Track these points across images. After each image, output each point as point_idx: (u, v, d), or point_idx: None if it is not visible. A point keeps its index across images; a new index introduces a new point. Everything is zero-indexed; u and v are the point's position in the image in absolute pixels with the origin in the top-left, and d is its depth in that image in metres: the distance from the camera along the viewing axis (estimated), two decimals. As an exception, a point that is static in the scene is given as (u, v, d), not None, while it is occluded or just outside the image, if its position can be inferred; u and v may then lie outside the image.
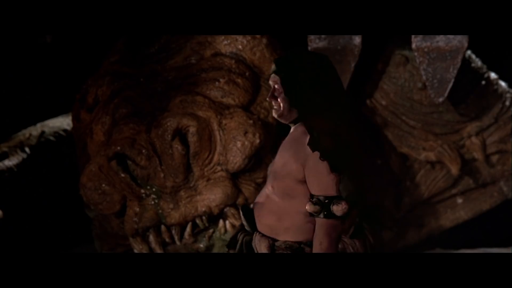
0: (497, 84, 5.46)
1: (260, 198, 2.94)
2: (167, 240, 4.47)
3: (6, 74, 6.35)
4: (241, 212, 2.97)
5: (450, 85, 4.83)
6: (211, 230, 4.50)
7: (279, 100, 2.89)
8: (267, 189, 2.91)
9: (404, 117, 5.26)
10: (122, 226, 4.57)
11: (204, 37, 4.82)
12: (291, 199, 2.85)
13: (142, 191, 4.47)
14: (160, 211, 4.44)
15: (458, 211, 5.40)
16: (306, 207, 2.78)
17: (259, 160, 4.50)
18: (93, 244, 5.07)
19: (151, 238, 4.48)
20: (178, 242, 4.48)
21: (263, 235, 2.87)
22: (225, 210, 4.47)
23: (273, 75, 2.91)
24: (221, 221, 4.48)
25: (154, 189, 4.46)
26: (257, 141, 4.42)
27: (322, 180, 2.77)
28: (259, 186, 4.51)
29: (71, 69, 6.29)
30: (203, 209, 4.41)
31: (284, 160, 2.87)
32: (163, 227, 4.47)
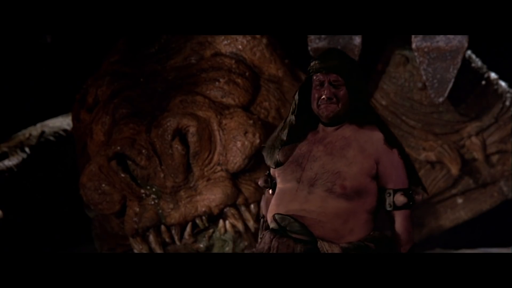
0: (497, 84, 5.46)
1: (308, 205, 2.83)
2: (167, 240, 4.47)
3: (6, 74, 6.35)
4: (291, 222, 2.83)
5: (450, 85, 4.83)
6: (211, 230, 4.50)
7: (339, 98, 2.88)
8: (317, 194, 2.83)
9: (404, 117, 5.26)
10: (122, 226, 4.57)
11: (204, 37, 4.82)
12: (361, 198, 2.83)
13: (142, 191, 4.47)
14: (160, 211, 4.44)
15: (458, 211, 5.40)
16: (397, 201, 2.83)
17: (259, 160, 4.49)
18: (93, 244, 5.07)
19: (151, 238, 4.48)
20: (178, 242, 4.48)
21: (331, 242, 2.79)
22: (225, 210, 4.47)
23: (330, 73, 2.88)
24: (221, 221, 4.48)
25: (154, 189, 4.46)
26: (257, 141, 4.42)
27: (401, 174, 2.86)
28: (259, 186, 4.51)
29: (71, 69, 6.29)
30: (203, 209, 4.41)
31: (348, 160, 2.84)
32: (163, 227, 4.46)
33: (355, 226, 2.83)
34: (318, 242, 2.79)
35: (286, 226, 2.82)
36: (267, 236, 2.86)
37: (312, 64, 2.94)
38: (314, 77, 2.92)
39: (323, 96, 2.88)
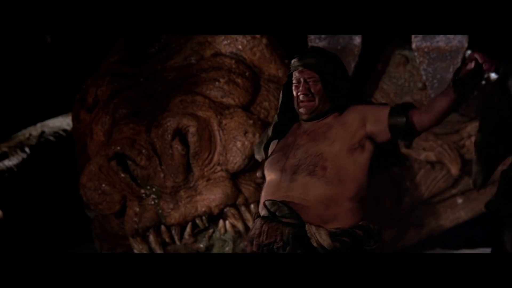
0: (497, 84, 5.45)
1: (291, 192, 2.92)
2: (167, 240, 4.47)
3: (6, 74, 6.35)
4: (280, 207, 2.91)
5: (450, 85, 4.82)
6: (211, 230, 4.50)
7: (314, 94, 2.98)
8: (299, 181, 2.91)
9: (404, 117, 5.25)
10: (122, 226, 4.56)
11: (204, 37, 4.82)
12: (341, 183, 2.88)
13: (142, 191, 4.47)
14: (160, 211, 4.44)
15: (458, 211, 5.40)
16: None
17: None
18: (93, 244, 5.07)
19: (151, 238, 4.48)
20: (178, 242, 4.48)
21: (318, 227, 2.86)
22: (225, 210, 4.47)
23: (305, 70, 2.99)
24: (221, 221, 4.48)
25: (154, 189, 4.46)
26: (257, 141, 4.41)
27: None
28: (259, 186, 4.51)
29: (71, 69, 6.29)
30: (203, 209, 4.41)
31: (330, 139, 2.93)
32: (163, 227, 4.46)
33: (338, 213, 2.88)
34: (306, 225, 2.87)
35: (276, 211, 2.90)
36: (258, 222, 2.95)
37: (291, 62, 3.07)
38: (293, 76, 3.05)
39: (300, 94, 3.01)
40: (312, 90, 2.99)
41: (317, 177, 2.90)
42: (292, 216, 2.88)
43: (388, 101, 5.26)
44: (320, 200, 2.88)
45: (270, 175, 3.03)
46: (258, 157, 3.23)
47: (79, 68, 5.83)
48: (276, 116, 3.15)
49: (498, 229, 2.82)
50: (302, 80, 3.00)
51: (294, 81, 3.04)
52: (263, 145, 3.17)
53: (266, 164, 3.08)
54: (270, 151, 3.13)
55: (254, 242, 2.90)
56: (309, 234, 2.85)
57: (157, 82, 4.75)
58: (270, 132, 3.14)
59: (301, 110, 3.02)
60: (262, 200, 3.03)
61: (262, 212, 2.96)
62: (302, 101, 3.00)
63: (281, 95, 3.12)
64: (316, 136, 2.98)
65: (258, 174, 3.35)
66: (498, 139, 2.82)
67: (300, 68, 3.01)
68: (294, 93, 3.03)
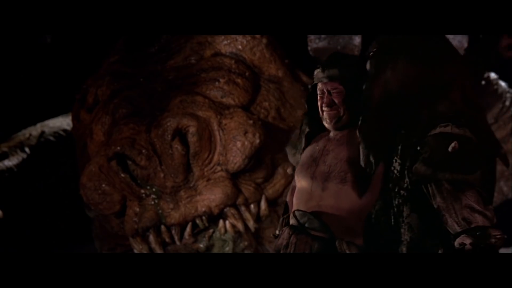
0: (497, 84, 5.46)
1: (324, 202, 2.85)
2: (167, 240, 4.47)
3: (6, 74, 6.35)
4: (310, 219, 2.85)
5: (450, 85, 4.82)
6: (211, 230, 4.50)
7: (338, 105, 2.95)
8: (331, 189, 2.85)
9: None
10: (122, 226, 4.57)
11: (204, 37, 4.82)
12: (370, 192, 2.84)
13: (142, 191, 4.47)
14: (160, 211, 4.44)
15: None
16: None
17: (259, 160, 4.50)
18: (93, 244, 5.07)
19: (151, 238, 4.48)
20: (178, 242, 4.48)
21: (349, 242, 2.79)
22: (225, 210, 4.47)
23: (329, 82, 2.95)
24: (221, 221, 4.48)
25: (154, 189, 4.46)
26: (257, 141, 4.42)
27: None
28: (259, 186, 4.51)
29: (71, 69, 6.29)
30: (203, 209, 4.41)
31: (350, 154, 2.88)
32: (163, 227, 4.46)
33: (361, 224, 2.83)
34: (337, 241, 2.80)
35: (305, 223, 2.85)
36: (286, 232, 2.91)
37: (315, 73, 3.04)
38: (317, 87, 3.03)
39: (323, 105, 2.99)
40: (336, 101, 2.96)
41: (349, 184, 2.85)
42: (323, 230, 2.82)
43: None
44: (353, 210, 2.83)
45: (300, 182, 2.99)
46: (293, 161, 3.20)
47: (79, 68, 5.83)
48: (307, 126, 3.12)
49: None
50: (325, 91, 2.98)
51: (318, 92, 3.02)
52: (298, 152, 3.14)
53: (297, 171, 3.05)
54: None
55: (281, 252, 2.85)
56: (339, 250, 2.79)
57: (157, 82, 4.75)
58: (303, 143, 3.11)
59: (326, 120, 2.99)
60: (293, 208, 2.99)
61: (292, 221, 2.92)
62: (327, 112, 2.97)
63: (306, 106, 3.11)
64: (346, 141, 2.94)
65: (289, 170, 3.32)
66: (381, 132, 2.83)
67: (324, 80, 2.98)
68: (319, 103, 3.02)
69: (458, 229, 2.71)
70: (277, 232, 3.22)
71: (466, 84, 2.97)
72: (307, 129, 3.10)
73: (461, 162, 2.74)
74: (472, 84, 3.01)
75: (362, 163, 2.81)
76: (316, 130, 3.10)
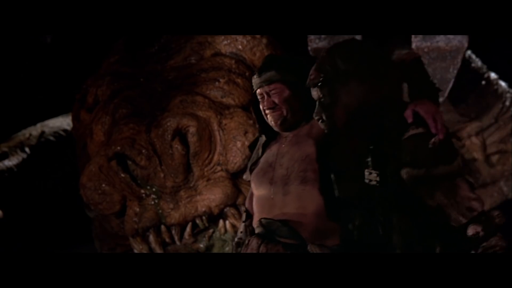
0: (497, 84, 5.46)
1: (287, 208, 2.77)
2: (167, 240, 4.47)
3: (6, 74, 6.36)
4: (279, 226, 2.76)
5: (450, 85, 4.83)
6: (211, 230, 4.50)
7: (279, 104, 2.90)
8: (293, 192, 2.77)
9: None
10: (122, 226, 4.57)
11: (204, 37, 4.82)
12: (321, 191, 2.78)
13: (142, 191, 4.47)
14: (160, 211, 4.44)
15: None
16: None
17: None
18: (93, 244, 5.07)
19: (151, 238, 4.48)
20: (178, 242, 4.48)
21: (320, 245, 2.74)
22: (225, 210, 4.47)
23: (267, 85, 2.90)
24: (221, 221, 4.48)
25: (154, 189, 4.46)
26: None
27: None
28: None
29: (71, 69, 6.30)
30: (203, 209, 4.41)
31: (313, 140, 2.83)
32: (163, 227, 4.47)
33: (336, 225, 2.77)
34: (308, 246, 2.75)
35: (273, 231, 2.78)
36: (254, 242, 2.83)
37: (252, 81, 3.00)
38: (257, 92, 2.98)
39: (264, 108, 2.94)
40: (277, 101, 2.90)
41: (310, 183, 2.77)
42: (292, 236, 2.75)
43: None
44: (318, 211, 2.75)
45: (259, 190, 2.91)
46: (246, 176, 3.15)
47: (79, 68, 5.83)
48: (263, 136, 3.06)
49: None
50: (265, 94, 2.93)
51: (258, 98, 2.98)
52: (251, 163, 3.08)
53: (253, 177, 2.98)
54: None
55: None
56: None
57: (157, 82, 4.75)
58: (260, 152, 3.04)
59: (271, 122, 2.93)
60: (256, 217, 2.90)
61: (258, 229, 2.84)
62: (270, 114, 2.92)
63: (254, 116, 3.10)
64: (298, 139, 2.88)
65: (245, 177, 3.22)
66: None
67: (262, 85, 2.93)
68: (261, 107, 2.97)
69: (464, 220, 2.71)
70: (236, 239, 3.16)
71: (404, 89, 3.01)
72: (264, 139, 3.05)
73: (445, 155, 2.76)
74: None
75: (336, 190, 2.75)
76: (271, 139, 3.04)
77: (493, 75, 5.48)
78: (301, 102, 2.90)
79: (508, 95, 5.44)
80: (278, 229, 2.77)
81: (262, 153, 3.03)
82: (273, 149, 2.95)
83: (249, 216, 3.14)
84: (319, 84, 2.85)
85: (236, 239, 3.18)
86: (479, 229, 2.68)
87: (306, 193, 2.77)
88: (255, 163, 3.04)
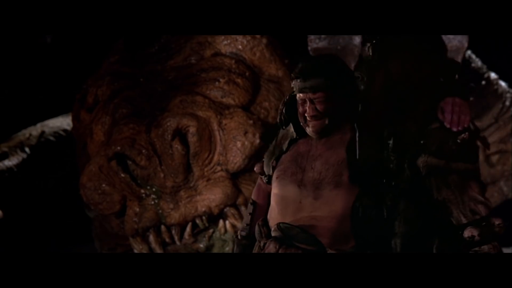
0: (497, 84, 5.46)
1: (318, 212, 2.71)
2: (167, 240, 4.47)
3: (6, 74, 6.36)
4: (298, 233, 2.71)
5: (450, 85, 4.82)
6: (211, 230, 4.50)
7: (322, 113, 2.79)
8: (325, 197, 2.72)
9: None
10: (122, 226, 4.57)
11: (204, 37, 4.82)
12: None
13: (142, 191, 4.47)
14: (160, 211, 4.44)
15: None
16: None
17: (259, 160, 4.49)
18: (93, 244, 5.07)
19: (151, 238, 4.48)
20: (178, 242, 4.48)
21: (338, 249, 2.70)
22: (225, 210, 4.47)
23: (316, 92, 2.78)
24: (221, 221, 4.48)
25: (154, 189, 4.46)
26: (257, 141, 4.42)
27: None
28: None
29: (71, 69, 6.30)
30: (203, 209, 4.41)
31: (341, 157, 2.77)
32: (163, 227, 4.47)
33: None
34: (327, 251, 2.73)
35: (293, 237, 2.73)
36: (271, 245, 2.78)
37: (294, 82, 2.85)
38: (298, 96, 2.84)
39: (306, 115, 2.82)
40: (320, 110, 2.79)
41: (344, 187, 2.72)
42: (312, 243, 2.70)
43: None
44: (346, 214, 2.71)
45: (283, 190, 2.83)
46: (266, 170, 3.03)
47: (79, 68, 5.84)
48: (294, 132, 2.93)
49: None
50: (308, 100, 2.80)
51: (299, 101, 2.85)
52: (273, 158, 2.97)
53: (277, 175, 2.88)
54: (275, 164, 2.94)
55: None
56: None
57: (157, 82, 4.75)
58: (284, 148, 2.94)
59: (310, 129, 2.83)
60: (275, 217, 2.83)
61: (275, 233, 2.77)
62: (311, 122, 2.81)
63: (283, 113, 2.92)
64: (333, 144, 2.81)
65: (257, 169, 3.14)
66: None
67: (306, 91, 2.80)
68: (300, 110, 2.85)
69: (464, 221, 2.70)
70: (241, 233, 3.10)
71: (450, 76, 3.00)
72: (295, 136, 2.93)
73: (468, 153, 2.76)
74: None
75: (358, 156, 2.73)
76: (302, 137, 2.92)
77: (493, 75, 5.49)
78: (342, 111, 2.82)
79: (508, 95, 5.44)
80: (298, 235, 2.73)
81: (287, 150, 2.94)
82: (302, 149, 2.87)
83: (255, 209, 3.10)
84: (373, 41, 2.82)
85: (241, 233, 3.11)
86: (475, 233, 2.67)
87: (339, 196, 2.73)
88: (277, 158, 2.95)
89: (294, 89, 2.87)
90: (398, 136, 2.78)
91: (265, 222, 2.94)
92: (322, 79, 2.80)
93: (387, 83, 2.84)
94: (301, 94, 2.82)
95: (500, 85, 5.46)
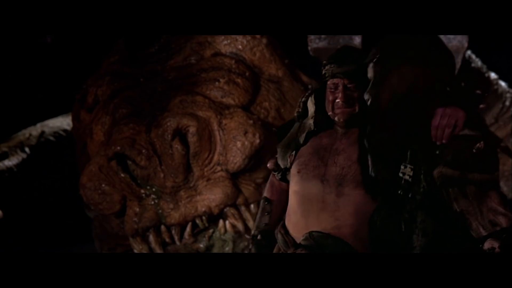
0: (497, 84, 5.46)
1: (340, 213, 2.64)
2: (167, 240, 4.47)
3: (6, 74, 6.36)
4: (332, 243, 2.65)
5: (450, 85, 4.82)
6: (211, 230, 4.50)
7: (355, 101, 2.77)
8: (347, 195, 2.65)
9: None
10: (122, 226, 4.57)
11: (204, 37, 4.82)
12: (386, 192, 2.71)
13: (142, 191, 4.47)
14: (160, 211, 4.44)
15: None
16: None
17: (259, 160, 4.49)
18: (93, 244, 5.07)
19: (151, 238, 4.48)
20: (178, 242, 4.48)
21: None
22: (225, 210, 4.47)
23: (351, 78, 2.76)
24: (221, 221, 4.48)
25: (154, 189, 4.46)
26: (257, 141, 4.42)
27: None
28: (259, 186, 4.51)
29: (71, 69, 6.30)
30: (203, 209, 4.41)
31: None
32: (163, 227, 4.47)
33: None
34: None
35: (328, 246, 2.66)
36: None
37: (327, 67, 2.83)
38: (331, 82, 2.81)
39: (338, 100, 2.78)
40: (354, 97, 2.77)
41: (363, 188, 2.67)
42: (345, 249, 2.64)
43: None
44: (366, 217, 2.67)
45: (306, 185, 2.74)
46: (282, 163, 2.93)
47: (79, 68, 5.83)
48: (312, 123, 2.86)
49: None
50: (341, 85, 2.77)
51: (331, 87, 2.80)
52: (291, 152, 2.88)
53: (298, 168, 2.80)
54: (293, 159, 2.86)
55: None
56: None
57: (157, 82, 4.75)
58: (301, 139, 2.86)
59: (338, 117, 2.78)
60: (297, 221, 2.74)
61: (306, 242, 2.69)
62: (341, 109, 2.77)
63: (312, 100, 2.87)
64: (356, 140, 2.76)
65: (270, 165, 3.03)
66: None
67: (340, 76, 2.77)
68: (330, 98, 2.80)
69: (484, 233, 2.65)
70: (262, 233, 3.03)
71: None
72: (312, 127, 2.85)
73: (485, 163, 2.72)
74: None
75: (371, 172, 2.68)
76: (320, 130, 2.86)
77: (493, 75, 5.48)
78: (365, 105, 2.79)
79: (508, 95, 5.44)
80: (333, 244, 2.67)
81: (305, 143, 2.86)
82: (325, 142, 2.80)
83: (270, 206, 3.03)
84: (374, 60, 2.81)
85: (261, 233, 3.02)
86: (496, 245, 2.61)
87: (360, 197, 2.68)
88: (295, 151, 2.86)
89: (326, 75, 2.83)
90: (414, 147, 2.74)
91: (286, 230, 2.84)
92: (355, 66, 2.79)
93: (394, 98, 2.81)
94: (334, 80, 2.78)
95: (500, 85, 5.46)
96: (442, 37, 4.79)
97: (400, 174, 2.70)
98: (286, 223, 2.86)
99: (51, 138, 5.97)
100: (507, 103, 5.40)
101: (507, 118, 5.36)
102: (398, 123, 2.78)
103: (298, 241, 2.76)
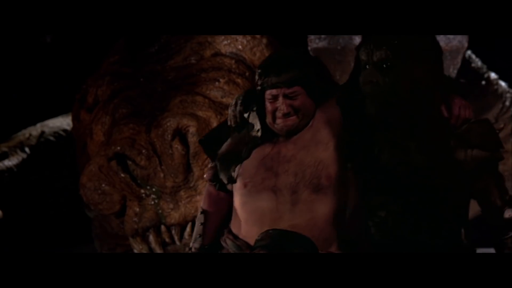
0: (497, 84, 5.46)
1: (297, 220, 2.52)
2: (167, 240, 4.47)
3: (6, 74, 6.36)
4: (292, 237, 2.51)
5: (450, 85, 4.82)
6: (211, 230, 4.50)
7: (297, 110, 2.63)
8: (303, 202, 2.53)
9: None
10: (122, 226, 4.57)
11: (204, 37, 4.82)
12: (345, 191, 2.59)
13: (142, 191, 4.47)
14: (160, 211, 4.45)
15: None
16: None
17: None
18: (93, 244, 5.07)
19: (151, 238, 4.48)
20: (178, 242, 4.48)
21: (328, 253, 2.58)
22: (225, 210, 4.47)
23: (291, 87, 2.61)
24: (221, 221, 4.48)
25: (154, 189, 4.46)
26: (257, 141, 4.41)
27: None
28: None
29: (71, 69, 6.29)
30: (203, 209, 4.41)
31: (323, 142, 2.60)
32: (163, 227, 4.47)
33: (337, 232, 2.60)
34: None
35: (288, 243, 2.53)
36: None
37: (262, 79, 2.66)
38: (269, 92, 2.65)
39: (278, 113, 2.64)
40: (295, 105, 2.62)
41: (323, 191, 2.55)
42: (308, 246, 2.53)
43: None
44: (329, 220, 2.54)
45: (256, 199, 2.61)
46: (225, 178, 2.74)
47: (79, 68, 5.83)
48: (259, 136, 2.69)
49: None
50: (281, 96, 2.62)
51: (269, 98, 2.64)
52: (234, 166, 2.71)
53: (244, 182, 2.65)
54: (236, 172, 2.70)
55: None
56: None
57: (157, 82, 4.75)
58: (246, 154, 2.69)
59: (281, 129, 2.63)
60: (249, 230, 2.61)
61: (263, 242, 2.54)
62: (280, 118, 2.63)
63: (252, 115, 2.70)
64: (305, 144, 2.62)
65: (207, 176, 2.84)
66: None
67: (279, 85, 2.61)
68: (269, 108, 2.65)
69: (499, 203, 2.85)
70: (195, 245, 2.91)
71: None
72: (259, 142, 2.67)
73: (500, 142, 2.93)
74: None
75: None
76: (265, 141, 2.70)
77: (493, 75, 5.48)
78: (314, 107, 2.65)
79: (508, 95, 5.44)
80: (294, 240, 2.53)
81: (248, 155, 2.68)
82: (269, 151, 2.66)
83: (207, 219, 2.85)
84: (382, 63, 2.80)
85: (194, 245, 2.90)
86: None
87: (318, 201, 2.56)
88: (238, 165, 2.71)
89: (264, 85, 2.67)
90: (423, 138, 2.76)
91: (235, 235, 2.73)
92: (296, 71, 2.63)
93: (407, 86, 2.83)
94: (273, 90, 2.63)
95: (500, 85, 5.46)
96: (442, 37, 4.81)
97: (411, 162, 2.68)
98: (234, 231, 2.74)
99: (51, 138, 5.97)
100: (507, 103, 5.40)
101: (507, 118, 5.36)
102: (403, 112, 2.79)
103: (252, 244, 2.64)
